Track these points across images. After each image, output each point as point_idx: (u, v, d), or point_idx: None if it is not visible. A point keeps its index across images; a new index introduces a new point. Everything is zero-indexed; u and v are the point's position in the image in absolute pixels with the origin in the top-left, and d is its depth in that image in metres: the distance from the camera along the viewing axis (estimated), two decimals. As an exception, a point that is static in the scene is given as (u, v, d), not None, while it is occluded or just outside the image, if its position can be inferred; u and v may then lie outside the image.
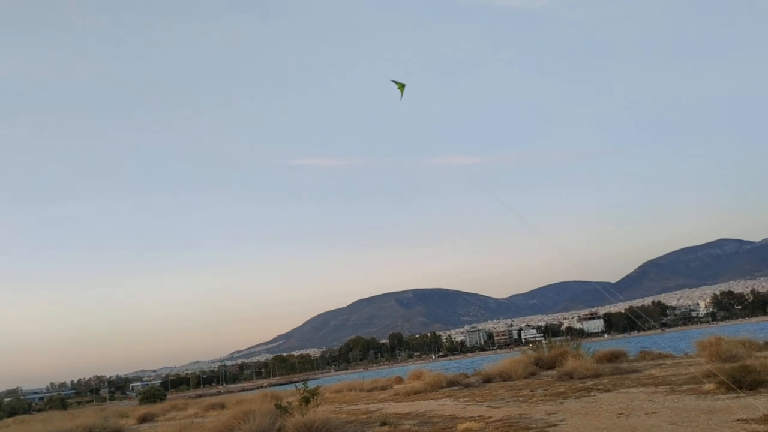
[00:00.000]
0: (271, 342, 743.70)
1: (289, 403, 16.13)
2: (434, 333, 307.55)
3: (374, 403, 22.34)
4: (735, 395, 13.07)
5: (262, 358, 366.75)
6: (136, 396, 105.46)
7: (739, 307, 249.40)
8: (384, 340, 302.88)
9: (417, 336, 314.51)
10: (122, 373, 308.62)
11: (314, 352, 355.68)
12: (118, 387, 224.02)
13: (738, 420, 10.31)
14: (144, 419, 31.98)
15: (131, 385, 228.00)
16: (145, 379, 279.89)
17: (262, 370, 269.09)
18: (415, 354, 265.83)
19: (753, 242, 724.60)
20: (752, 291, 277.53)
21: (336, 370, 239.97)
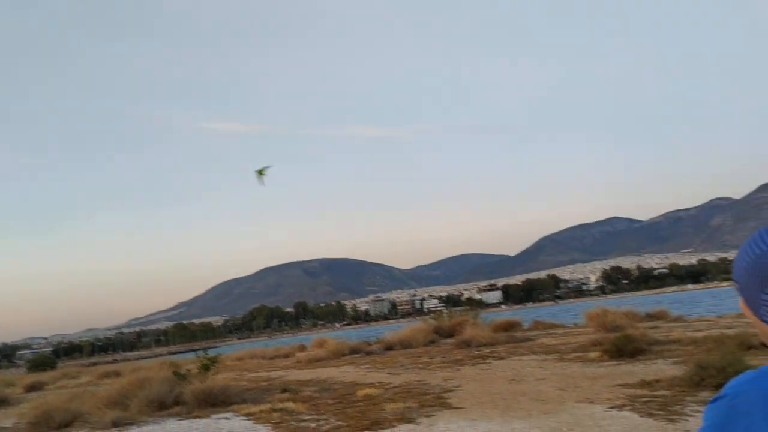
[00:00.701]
0: (171, 309, 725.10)
1: (188, 371, 15.85)
2: (339, 302, 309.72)
3: (276, 370, 22.33)
4: (617, 362, 13.99)
5: (162, 325, 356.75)
6: (24, 364, 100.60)
7: (626, 281, 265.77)
8: (289, 309, 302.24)
9: (322, 305, 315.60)
10: (9, 340, 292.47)
11: (217, 320, 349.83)
12: (5, 355, 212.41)
13: (618, 385, 11.05)
14: (32, 388, 30.50)
15: (19, 352, 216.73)
16: (34, 346, 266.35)
17: (162, 338, 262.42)
18: (320, 323, 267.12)
19: (641, 221, 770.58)
20: (638, 267, 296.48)
21: (239, 339, 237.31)
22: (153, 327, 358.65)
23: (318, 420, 10.61)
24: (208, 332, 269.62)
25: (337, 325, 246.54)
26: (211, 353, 19.99)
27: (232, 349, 47.74)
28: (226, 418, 11.48)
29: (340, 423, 10.15)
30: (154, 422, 11.55)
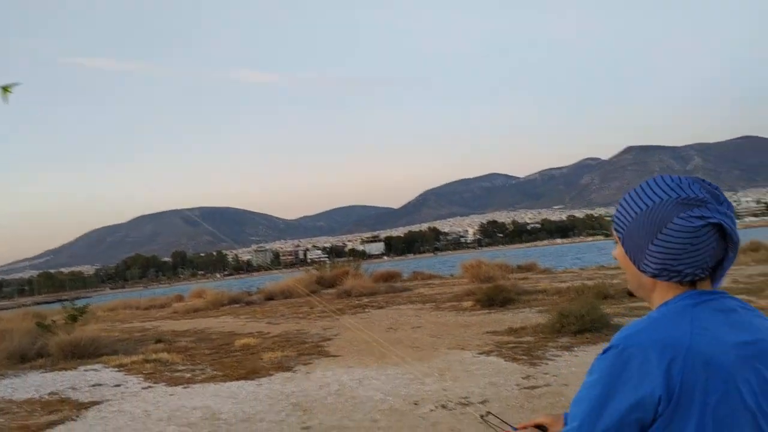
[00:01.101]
0: (36, 258, 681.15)
1: (54, 322, 15.02)
2: (220, 252, 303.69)
3: (151, 321, 21.66)
4: (488, 311, 14.72)
5: (26, 274, 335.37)
6: None
7: (501, 235, 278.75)
8: (167, 259, 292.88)
9: (202, 255, 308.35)
10: None
11: (88, 269, 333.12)
12: None
13: (488, 332, 11.64)
14: None
15: None
16: None
17: (26, 287, 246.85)
18: (200, 273, 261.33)
19: (518, 178, 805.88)
20: (513, 221, 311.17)
21: (112, 289, 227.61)
22: (16, 276, 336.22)
23: (193, 370, 10.44)
24: (78, 282, 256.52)
25: (218, 275, 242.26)
26: (80, 303, 19.05)
27: (104, 299, 45.73)
28: (95, 369, 11.03)
29: (216, 372, 10.04)
30: (15, 375, 10.90)
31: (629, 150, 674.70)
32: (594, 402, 1.24)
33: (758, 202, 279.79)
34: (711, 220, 1.27)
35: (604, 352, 1.28)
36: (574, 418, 1.28)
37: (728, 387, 1.20)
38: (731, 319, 1.28)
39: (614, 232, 1.42)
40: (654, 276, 1.34)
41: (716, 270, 1.35)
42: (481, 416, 1.98)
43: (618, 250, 1.42)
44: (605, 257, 45.55)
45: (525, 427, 1.70)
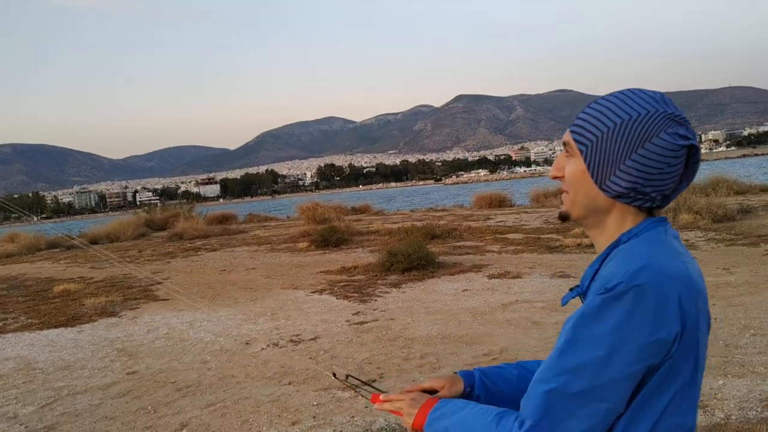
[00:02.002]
0: None
1: None
2: (37, 193, 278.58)
3: (-47, 268, 19.57)
4: (322, 252, 14.98)
5: None
6: None
7: (338, 178, 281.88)
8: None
9: (15, 196, 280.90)
10: None
11: None
12: None
13: (321, 272, 11.88)
14: None
15: None
16: None
17: None
18: (13, 216, 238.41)
19: (355, 122, 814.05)
20: (349, 165, 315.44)
21: None
22: None
23: (5, 319, 9.66)
24: None
25: (35, 218, 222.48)
26: None
27: None
28: None
29: (31, 321, 9.37)
30: None
31: (460, 98, 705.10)
32: (593, 346, 1.08)
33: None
34: (692, 142, 1.18)
35: (609, 293, 1.09)
36: (576, 370, 1.09)
37: (707, 319, 1.17)
38: (682, 246, 1.22)
39: (572, 145, 1.24)
40: (617, 197, 1.20)
41: (667, 199, 1.24)
42: (336, 378, 1.80)
43: (572, 166, 1.24)
44: (434, 200, 47.85)
45: (410, 391, 1.48)
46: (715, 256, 9.97)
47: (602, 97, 1.24)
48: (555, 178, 1.30)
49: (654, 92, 1.20)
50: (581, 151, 1.22)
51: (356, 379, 1.74)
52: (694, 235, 12.31)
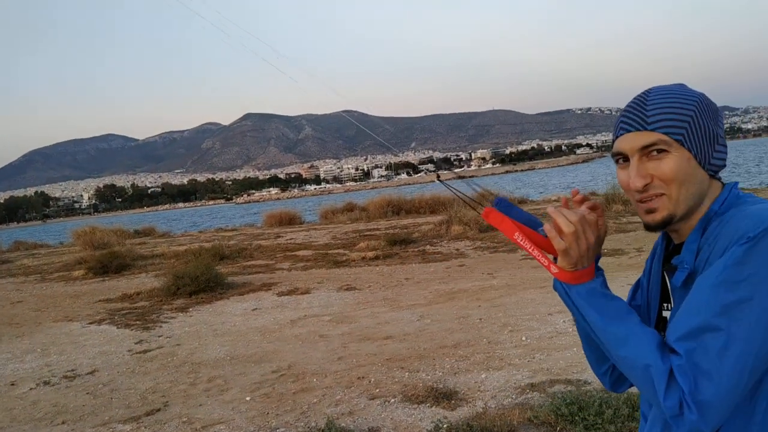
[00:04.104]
0: None
1: None
2: None
3: None
4: (102, 279, 14.02)
5: None
6: None
7: (120, 199, 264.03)
8: None
9: None
10: None
11: None
12: None
13: (100, 300, 11.13)
14: None
15: None
16: None
17: None
18: None
19: (137, 139, 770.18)
20: (132, 185, 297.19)
21: None
22: None
23: None
24: None
25: None
26: None
27: None
28: None
29: None
30: None
31: (248, 117, 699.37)
32: (748, 293, 1.06)
33: (357, 168, 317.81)
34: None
35: (752, 240, 1.08)
36: (736, 324, 1.06)
37: None
38: None
39: (665, 140, 1.19)
40: (721, 168, 1.23)
41: None
42: (439, 180, 1.57)
43: (673, 161, 1.19)
44: (224, 220, 46.89)
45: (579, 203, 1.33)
46: (481, 263, 11.06)
47: (649, 94, 1.24)
48: (645, 187, 1.21)
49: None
50: (679, 141, 1.18)
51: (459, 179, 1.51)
52: (464, 244, 13.52)
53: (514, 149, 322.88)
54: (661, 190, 1.20)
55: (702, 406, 1.04)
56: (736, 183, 1.25)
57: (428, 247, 13.77)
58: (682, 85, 1.24)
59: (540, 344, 5.90)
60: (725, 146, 1.23)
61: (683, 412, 1.06)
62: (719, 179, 1.24)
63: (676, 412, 1.07)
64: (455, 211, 15.77)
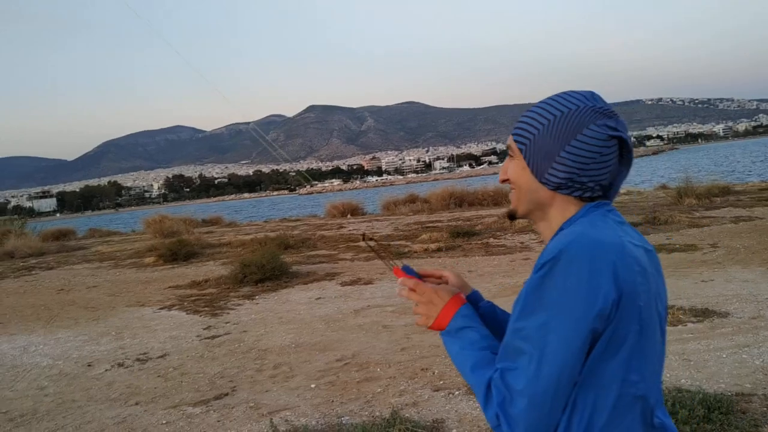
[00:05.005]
0: None
1: None
2: None
3: None
4: (171, 266, 14.46)
5: None
6: None
7: (188, 189, 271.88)
8: None
9: None
10: None
11: None
12: None
13: (170, 287, 11.48)
14: None
15: None
16: None
17: None
18: None
19: (204, 131, 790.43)
20: (200, 175, 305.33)
21: None
22: None
23: None
24: None
25: None
26: None
27: None
28: None
29: None
30: None
31: (312, 109, 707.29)
32: (537, 322, 1.16)
33: (418, 160, 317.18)
34: (621, 134, 1.27)
35: (539, 267, 1.18)
36: (510, 347, 1.19)
37: (650, 290, 1.21)
38: (630, 229, 1.29)
39: (513, 146, 1.35)
40: (556, 188, 1.30)
41: (609, 190, 1.33)
42: (364, 241, 1.86)
43: (514, 165, 1.36)
44: (288, 210, 47.65)
45: (429, 276, 1.56)
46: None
47: (538, 102, 1.35)
48: (503, 181, 1.40)
49: (584, 91, 1.32)
50: (521, 150, 1.32)
51: (381, 246, 1.90)
52: (528, 237, 13.30)
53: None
54: (512, 186, 1.38)
55: (512, 420, 1.16)
56: (603, 203, 1.31)
57: (491, 239, 13.61)
58: (561, 97, 1.32)
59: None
60: (568, 165, 1.27)
61: (500, 424, 1.17)
62: (590, 199, 1.31)
63: (495, 424, 1.19)
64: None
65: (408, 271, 1.52)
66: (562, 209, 1.31)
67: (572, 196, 1.30)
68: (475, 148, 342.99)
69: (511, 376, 1.17)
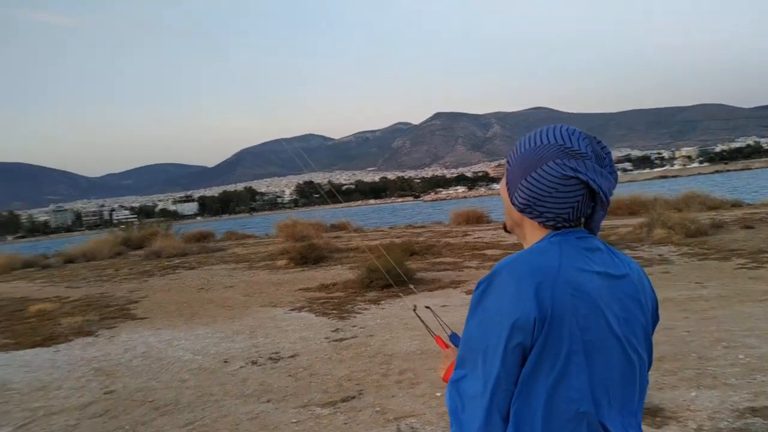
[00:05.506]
0: None
1: None
2: (12, 212, 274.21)
3: (-76, 289, 19.19)
4: (301, 269, 14.97)
5: None
6: None
7: (317, 195, 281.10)
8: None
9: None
10: None
11: None
12: None
13: (300, 289, 11.87)
14: None
15: None
16: None
17: None
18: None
19: (333, 139, 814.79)
20: (328, 182, 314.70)
21: None
22: None
23: (-22, 340, 9.51)
24: None
25: (10, 238, 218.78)
26: None
27: None
28: None
29: (6, 341, 9.24)
30: None
31: (438, 116, 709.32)
32: (474, 332, 1.32)
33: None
34: (580, 176, 1.34)
35: (479, 285, 1.34)
36: (459, 357, 1.35)
37: (594, 313, 1.29)
38: (597, 256, 1.37)
39: (503, 166, 1.53)
40: (520, 211, 1.43)
41: (588, 223, 1.43)
42: (414, 311, 2.23)
43: (501, 182, 1.52)
44: (413, 217, 47.98)
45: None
46: (689, 270, 10.15)
47: (532, 131, 1.46)
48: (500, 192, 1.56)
49: (570, 129, 1.41)
50: (506, 172, 1.48)
51: (434, 314, 2.09)
52: (667, 249, 12.51)
53: (725, 147, 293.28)
54: None
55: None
56: (561, 232, 1.40)
57: (627, 251, 12.93)
58: (542, 131, 1.43)
59: (762, 364, 5.25)
60: (526, 194, 1.40)
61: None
62: (554, 227, 1.41)
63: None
64: (658, 214, 14.64)
65: (455, 339, 1.70)
66: (532, 231, 1.44)
67: (536, 221, 1.42)
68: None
69: (457, 396, 1.33)
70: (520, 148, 1.44)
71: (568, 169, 1.34)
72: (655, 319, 1.47)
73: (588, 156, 1.36)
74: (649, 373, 1.46)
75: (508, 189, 1.46)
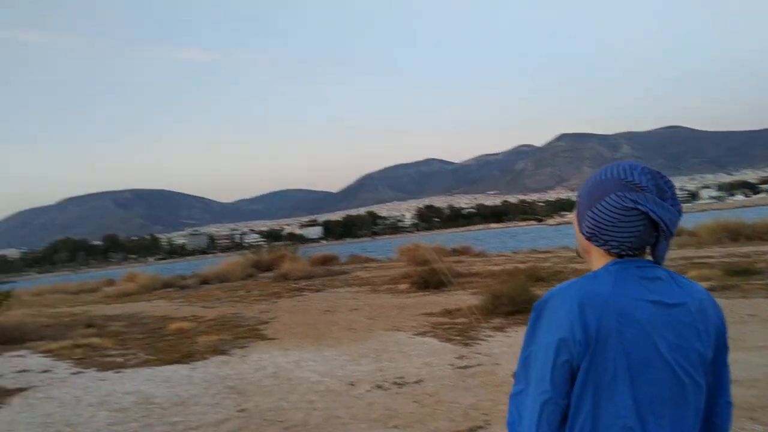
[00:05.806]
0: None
1: (-24, 307, 14.41)
2: (153, 235, 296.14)
3: (80, 305, 21.03)
4: (423, 293, 14.95)
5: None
6: None
7: (438, 219, 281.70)
8: (97, 242, 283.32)
9: (134, 238, 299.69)
10: None
11: (13, 252, 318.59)
12: None
13: (423, 314, 11.84)
14: None
15: None
16: None
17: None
18: (132, 257, 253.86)
19: (454, 163, 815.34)
20: (449, 206, 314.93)
21: (39, 273, 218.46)
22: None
23: (125, 354, 10.23)
24: (2, 266, 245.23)
25: (151, 259, 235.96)
26: (4, 288, 18.34)
27: (30, 284, 43.97)
28: (21, 356, 10.66)
29: (149, 357, 9.87)
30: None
31: (562, 137, 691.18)
32: (529, 350, 1.46)
33: (681, 189, 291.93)
34: (640, 207, 1.44)
35: (534, 308, 1.48)
36: (516, 373, 1.49)
37: (641, 338, 1.37)
38: (655, 285, 1.45)
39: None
40: (587, 239, 1.54)
41: (654, 252, 1.50)
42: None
43: (573, 212, 1.63)
44: (538, 241, 46.75)
45: None
46: None
47: (600, 168, 1.59)
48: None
49: (632, 164, 1.51)
50: (577, 203, 1.60)
51: None
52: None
53: None
54: None
55: None
56: (623, 260, 1.48)
57: (776, 279, 11.85)
58: (607, 167, 1.54)
59: None
60: (590, 224, 1.51)
61: None
62: (619, 255, 1.50)
63: None
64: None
65: None
66: (598, 258, 1.54)
67: (602, 249, 1.52)
68: (751, 175, 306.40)
69: (515, 411, 1.47)
70: (588, 182, 1.57)
71: (628, 201, 1.45)
72: (719, 344, 1.49)
73: (648, 189, 1.45)
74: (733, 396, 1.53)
75: (578, 219, 1.58)
